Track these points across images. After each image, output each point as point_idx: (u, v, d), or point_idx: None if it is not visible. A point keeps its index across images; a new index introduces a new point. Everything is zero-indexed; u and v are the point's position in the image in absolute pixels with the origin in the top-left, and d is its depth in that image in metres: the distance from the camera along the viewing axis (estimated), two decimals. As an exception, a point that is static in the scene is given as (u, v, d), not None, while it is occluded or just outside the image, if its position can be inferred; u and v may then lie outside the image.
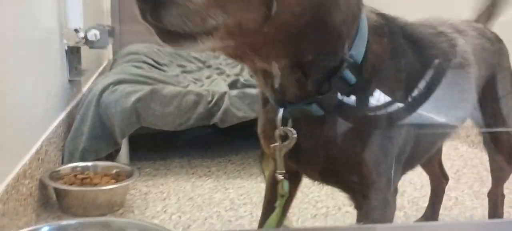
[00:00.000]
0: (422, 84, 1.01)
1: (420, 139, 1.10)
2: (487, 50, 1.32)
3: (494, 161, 1.58)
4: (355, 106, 0.92)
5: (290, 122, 0.93)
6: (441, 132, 1.21)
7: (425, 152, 1.23)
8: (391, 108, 0.95)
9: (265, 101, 1.02)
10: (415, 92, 0.99)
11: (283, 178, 0.98)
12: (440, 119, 1.12)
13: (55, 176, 1.85)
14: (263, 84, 0.93)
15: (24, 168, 1.61)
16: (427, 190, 1.96)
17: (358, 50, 0.90)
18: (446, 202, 1.84)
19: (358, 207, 1.04)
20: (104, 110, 2.15)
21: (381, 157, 0.95)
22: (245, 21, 0.75)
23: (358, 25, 0.90)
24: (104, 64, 3.65)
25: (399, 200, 1.97)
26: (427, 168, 1.80)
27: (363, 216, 1.05)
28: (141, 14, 0.71)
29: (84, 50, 2.49)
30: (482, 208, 1.90)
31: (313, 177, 1.08)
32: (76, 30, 2.26)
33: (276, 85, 0.90)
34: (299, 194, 2.00)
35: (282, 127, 0.93)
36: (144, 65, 2.74)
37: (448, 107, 1.12)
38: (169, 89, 2.20)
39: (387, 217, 1.04)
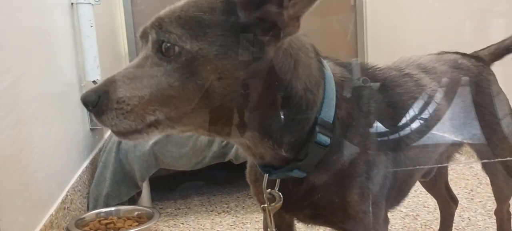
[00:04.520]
0: (394, 123, 1.06)
1: (398, 173, 1.15)
2: (459, 81, 1.34)
3: (494, 182, 1.61)
4: (333, 162, 0.96)
5: (278, 183, 0.98)
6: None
7: (405, 185, 1.24)
8: (366, 155, 0.99)
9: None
10: (388, 131, 1.04)
11: None
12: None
13: (81, 223, 1.95)
14: (246, 152, 0.98)
15: (51, 218, 1.71)
16: (440, 213, 1.98)
17: (327, 112, 0.93)
18: (459, 222, 1.87)
19: None
20: (124, 156, 2.25)
21: (363, 197, 1.00)
22: (187, 111, 0.82)
23: (324, 88, 0.94)
24: (125, 107, 3.77)
25: (412, 224, 2.02)
26: (433, 191, 1.83)
27: None
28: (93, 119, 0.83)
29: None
30: (494, 227, 1.92)
31: (304, 221, 1.13)
32: (94, 82, 2.38)
33: (254, 154, 0.96)
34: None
35: (268, 190, 0.98)
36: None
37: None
38: (184, 131, 2.29)
39: None
